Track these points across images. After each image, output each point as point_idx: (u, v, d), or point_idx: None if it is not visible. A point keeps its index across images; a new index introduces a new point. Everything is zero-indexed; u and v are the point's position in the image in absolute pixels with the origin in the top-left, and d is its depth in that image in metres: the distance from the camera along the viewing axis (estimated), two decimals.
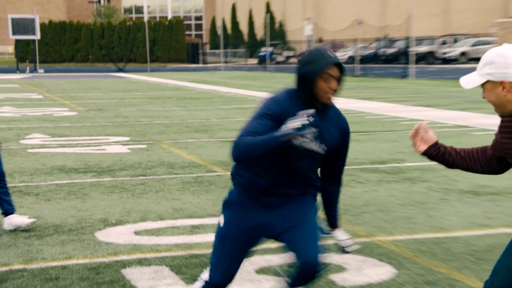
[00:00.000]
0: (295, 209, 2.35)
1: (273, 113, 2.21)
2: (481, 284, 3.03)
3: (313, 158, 2.30)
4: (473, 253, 3.86)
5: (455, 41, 36.50)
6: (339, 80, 2.20)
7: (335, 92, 2.19)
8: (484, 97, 2.03)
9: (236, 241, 2.37)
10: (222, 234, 2.42)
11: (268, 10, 51.00)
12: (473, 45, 34.71)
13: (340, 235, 2.59)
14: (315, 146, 2.26)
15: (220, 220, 2.45)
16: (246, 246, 2.42)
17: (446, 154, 2.21)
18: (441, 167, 5.76)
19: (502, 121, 2.07)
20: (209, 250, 3.02)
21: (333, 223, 2.61)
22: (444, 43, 37.09)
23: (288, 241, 2.32)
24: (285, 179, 2.33)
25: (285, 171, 2.30)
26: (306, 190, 2.39)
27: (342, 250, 2.61)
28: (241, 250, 2.41)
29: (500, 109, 1.99)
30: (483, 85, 1.98)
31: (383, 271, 3.49)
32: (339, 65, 2.18)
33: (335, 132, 2.35)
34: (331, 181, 2.50)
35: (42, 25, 39.71)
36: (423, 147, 2.26)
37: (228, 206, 2.44)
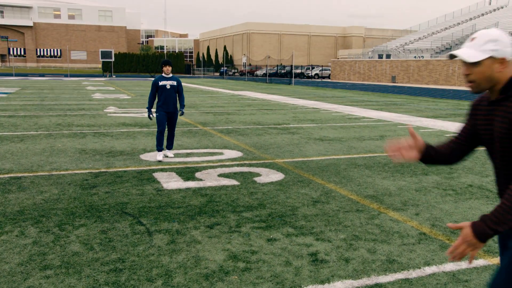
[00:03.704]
0: None
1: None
2: (323, 181, 6.67)
3: None
4: (319, 167, 7.34)
5: (312, 68, 68.30)
6: None
7: None
8: (468, 73, 2.00)
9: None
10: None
11: (225, 49, 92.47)
12: (321, 70, 66.73)
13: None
14: None
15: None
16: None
17: (433, 158, 2.21)
18: (308, 126, 10.94)
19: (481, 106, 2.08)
20: (196, 165, 6.74)
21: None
22: (307, 68, 68.67)
23: None
24: None
25: None
26: None
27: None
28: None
29: (485, 84, 1.98)
30: (482, 61, 1.96)
31: (278, 175, 6.77)
32: None
33: None
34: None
35: (115, 54, 71.33)
36: (416, 154, 2.21)
37: None
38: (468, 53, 1.98)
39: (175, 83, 7.92)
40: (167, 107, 7.87)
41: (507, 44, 1.96)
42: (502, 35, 1.97)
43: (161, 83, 7.87)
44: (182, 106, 8.13)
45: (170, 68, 7.90)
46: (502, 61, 1.97)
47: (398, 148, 2.22)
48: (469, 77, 2.01)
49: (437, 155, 2.24)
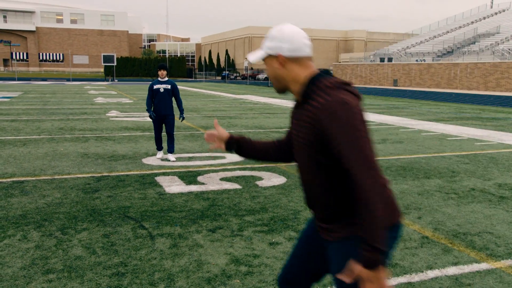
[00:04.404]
0: None
1: None
2: None
3: None
4: None
5: None
6: None
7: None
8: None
9: None
10: None
11: (227, 53, 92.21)
12: None
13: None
14: None
15: None
16: None
17: (247, 152, 2.21)
18: None
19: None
20: (198, 169, 6.74)
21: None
22: None
23: None
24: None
25: None
26: None
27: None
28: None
29: (276, 84, 1.94)
30: (265, 60, 1.92)
31: (280, 179, 6.76)
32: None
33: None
34: None
35: (117, 58, 71.73)
36: (221, 145, 2.26)
37: None
38: (254, 53, 1.94)
39: (169, 86, 8.13)
40: (159, 110, 8.11)
41: (284, 39, 1.84)
42: (282, 30, 1.85)
43: (155, 86, 8.14)
44: (181, 111, 8.28)
45: (165, 72, 8.11)
46: (278, 58, 1.86)
47: (211, 137, 2.28)
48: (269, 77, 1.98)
49: (251, 150, 2.20)
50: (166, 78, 8.17)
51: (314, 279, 2.15)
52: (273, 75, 1.92)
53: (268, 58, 1.90)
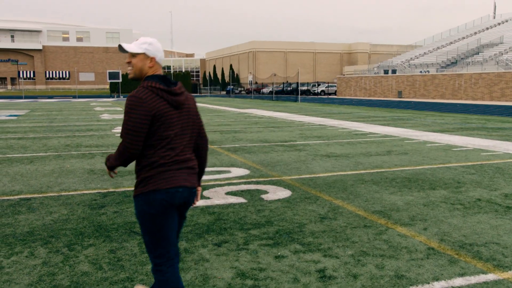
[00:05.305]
0: None
1: None
2: (330, 198, 6.67)
3: None
4: (326, 184, 7.34)
5: (318, 84, 69.27)
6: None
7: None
8: (129, 61, 2.70)
9: None
10: None
11: (231, 68, 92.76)
12: (327, 87, 67.74)
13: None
14: None
15: None
16: None
17: None
18: (314, 143, 10.90)
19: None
20: (203, 183, 6.75)
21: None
22: (313, 85, 68.99)
23: None
24: None
25: None
26: None
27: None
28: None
29: (137, 74, 2.68)
30: (135, 54, 2.67)
31: (285, 192, 6.76)
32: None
33: None
34: None
35: (122, 75, 71.72)
36: None
37: None
38: (131, 46, 2.67)
39: None
40: None
41: (159, 50, 2.71)
42: (157, 43, 2.71)
43: None
44: None
45: None
46: (152, 59, 2.68)
47: None
48: (130, 64, 2.68)
49: None
50: None
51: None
52: (140, 68, 2.68)
53: (143, 55, 2.67)
